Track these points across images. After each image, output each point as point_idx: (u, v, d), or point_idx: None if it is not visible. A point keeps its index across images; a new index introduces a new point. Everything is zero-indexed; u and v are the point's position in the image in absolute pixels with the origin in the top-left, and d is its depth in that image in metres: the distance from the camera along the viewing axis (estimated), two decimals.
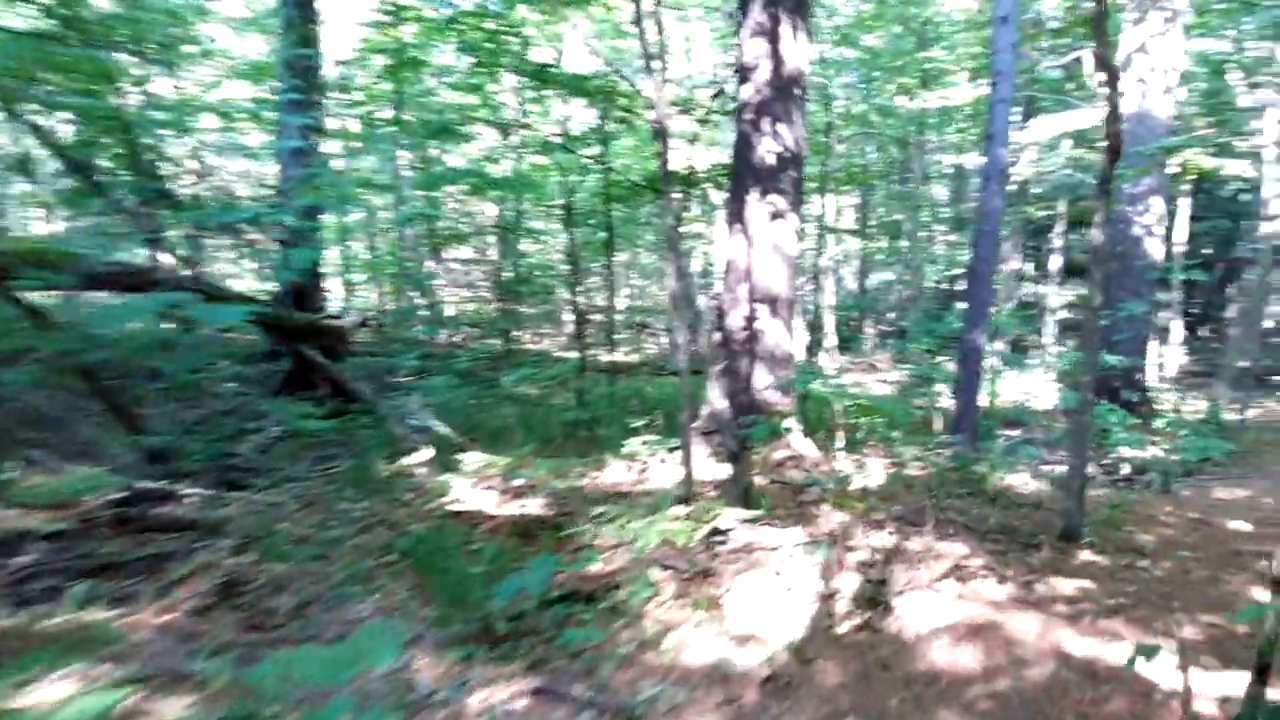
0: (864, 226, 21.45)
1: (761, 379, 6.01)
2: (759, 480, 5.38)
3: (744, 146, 5.97)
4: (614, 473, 5.77)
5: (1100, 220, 4.78)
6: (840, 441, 6.87)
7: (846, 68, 12.42)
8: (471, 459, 5.36)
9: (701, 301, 17.72)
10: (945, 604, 3.73)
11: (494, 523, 4.70)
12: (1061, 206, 14.96)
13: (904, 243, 16.63)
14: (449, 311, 18.96)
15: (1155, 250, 9.41)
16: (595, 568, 3.94)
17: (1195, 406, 11.34)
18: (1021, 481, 6.78)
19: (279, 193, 10.58)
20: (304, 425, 6.43)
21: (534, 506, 4.94)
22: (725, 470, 5.23)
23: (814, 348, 19.28)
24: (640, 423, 6.52)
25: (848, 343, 19.76)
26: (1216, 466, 7.44)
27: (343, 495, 5.16)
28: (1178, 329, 14.95)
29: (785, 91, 5.87)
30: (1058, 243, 15.32)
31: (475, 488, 5.17)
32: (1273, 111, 8.99)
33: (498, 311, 12.18)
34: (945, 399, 9.37)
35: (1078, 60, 11.65)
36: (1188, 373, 17.89)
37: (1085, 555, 4.48)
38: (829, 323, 16.70)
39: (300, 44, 9.63)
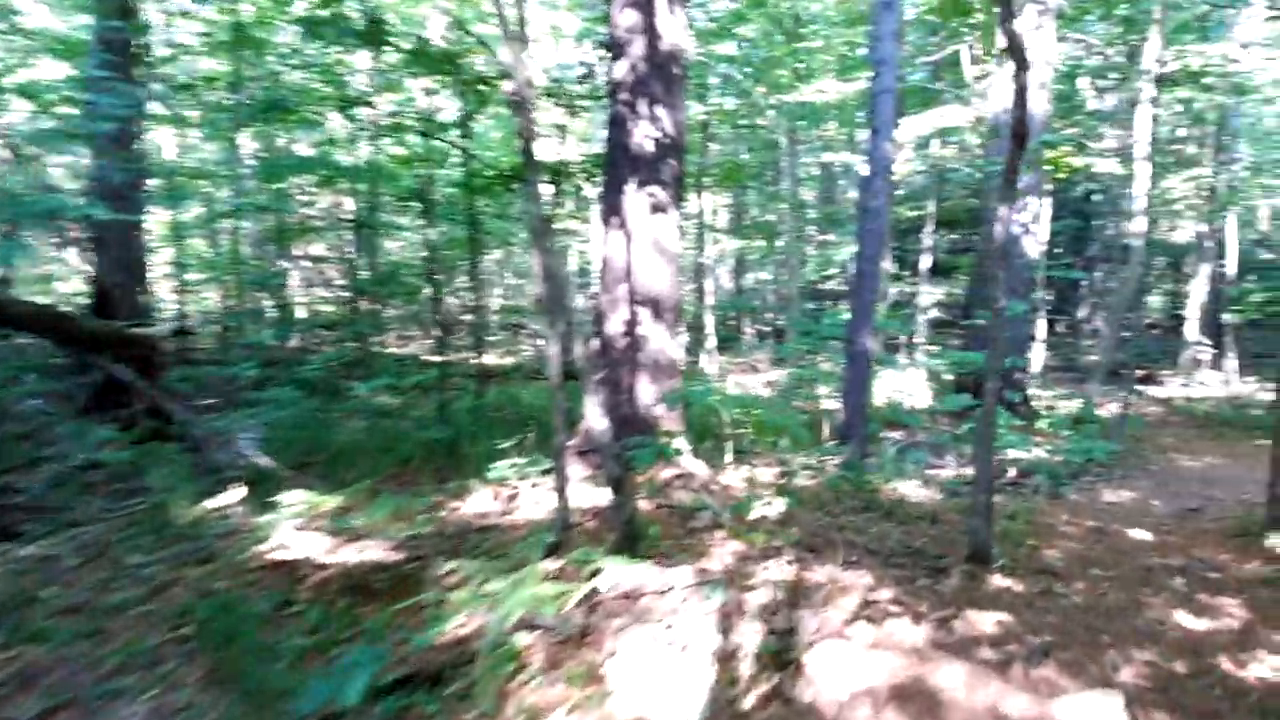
0: (739, 226, 21.33)
1: (645, 390, 5.42)
2: (644, 504, 4.79)
3: (619, 131, 5.35)
4: (479, 501, 5.05)
5: (1005, 215, 4.42)
6: (729, 454, 6.39)
7: (720, 63, 12.01)
8: (292, 498, 4.50)
9: (581, 303, 17.09)
10: (861, 657, 3.21)
11: (324, 575, 3.89)
12: (930, 206, 15.13)
13: (780, 242, 16.50)
14: (301, 314, 17.60)
15: (1033, 249, 9.41)
16: (447, 633, 3.22)
17: (1067, 404, 11.56)
18: (912, 489, 6.48)
19: (92, 182, 9.29)
20: (103, 454, 5.39)
21: (377, 551, 4.15)
22: (606, 495, 4.60)
23: (695, 349, 18.98)
24: (509, 442, 5.83)
25: (727, 343, 19.58)
26: (1100, 467, 7.39)
27: (138, 544, 4.22)
28: (1042, 327, 15.39)
29: (663, 70, 5.29)
30: (927, 242, 15.49)
31: (304, 530, 4.34)
32: (1143, 110, 9.17)
33: (352, 313, 11.14)
34: (828, 401, 9.10)
35: (949, 57, 11.69)
36: (1050, 368, 18.61)
37: (997, 580, 4.09)
38: (709, 323, 16.37)
39: (116, 17, 8.41)
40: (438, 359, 8.03)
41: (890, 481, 6.56)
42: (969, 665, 3.19)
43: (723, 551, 4.16)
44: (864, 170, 7.11)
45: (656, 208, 5.34)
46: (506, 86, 3.57)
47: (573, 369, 5.65)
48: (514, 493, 5.05)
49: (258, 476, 5.36)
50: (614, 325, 5.41)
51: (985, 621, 3.59)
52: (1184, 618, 3.71)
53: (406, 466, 6.12)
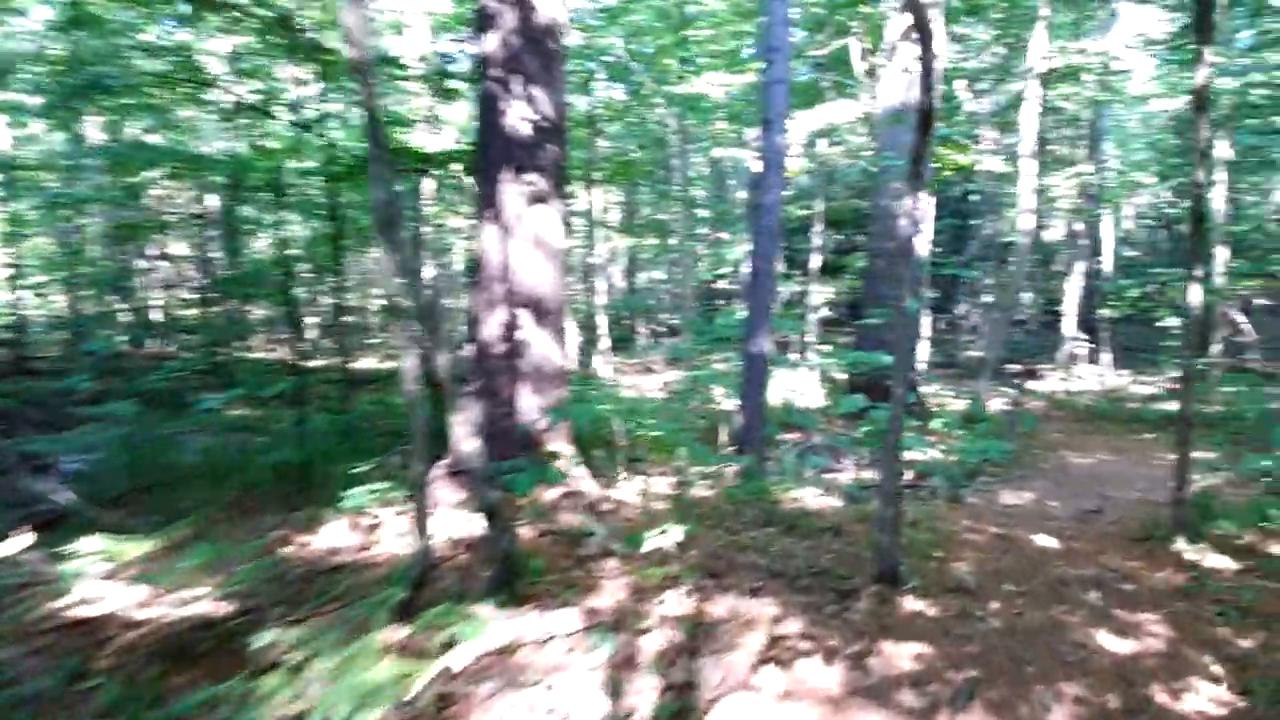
0: (631, 224, 20.97)
1: (527, 401, 4.88)
2: (526, 531, 4.26)
3: (492, 112, 4.79)
4: (333, 534, 4.40)
5: (910, 206, 4.09)
6: (622, 466, 5.93)
7: (605, 55, 11.55)
8: (96, 541, 3.77)
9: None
10: (771, 712, 2.78)
11: (131, 637, 3.20)
12: (819, 205, 15.11)
13: (672, 241, 16.18)
14: (160, 317, 16.21)
15: (921, 247, 9.32)
16: (277, 706, 2.61)
17: (956, 402, 11.62)
18: (813, 496, 6.17)
19: None
20: None
21: (202, 603, 3.48)
22: (482, 522, 4.04)
23: (588, 351, 18.50)
24: (373, 462, 5.19)
25: (620, 343, 19.18)
26: (995, 467, 7.29)
27: None
28: (924, 324, 15.59)
29: (539, 45, 4.76)
30: (816, 241, 15.48)
31: (115, 579, 3.61)
32: (1029, 108, 9.23)
33: (205, 316, 10.15)
34: (725, 402, 8.76)
35: (836, 54, 11.58)
36: (933, 364, 18.97)
37: (909, 602, 3.75)
38: (602, 324, 15.91)
39: None
40: (297, 366, 7.24)
41: (790, 489, 6.23)
42: (890, 715, 2.80)
43: (614, 585, 3.68)
44: (756, 166, 6.79)
45: (536, 198, 4.81)
46: (349, 53, 2.97)
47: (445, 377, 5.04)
48: (375, 522, 4.43)
49: (66, 511, 4.55)
50: (490, 329, 4.85)
51: (903, 655, 3.23)
52: (1107, 639, 3.45)
53: (254, 492, 5.38)
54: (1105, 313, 13.43)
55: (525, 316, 4.83)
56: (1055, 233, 20.97)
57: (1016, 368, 16.81)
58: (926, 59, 3.83)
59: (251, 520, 4.87)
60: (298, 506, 4.90)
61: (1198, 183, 4.44)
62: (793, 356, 15.08)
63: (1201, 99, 4.38)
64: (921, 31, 3.89)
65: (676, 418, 8.93)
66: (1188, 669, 3.19)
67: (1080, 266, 15.15)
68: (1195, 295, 4.60)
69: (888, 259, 9.25)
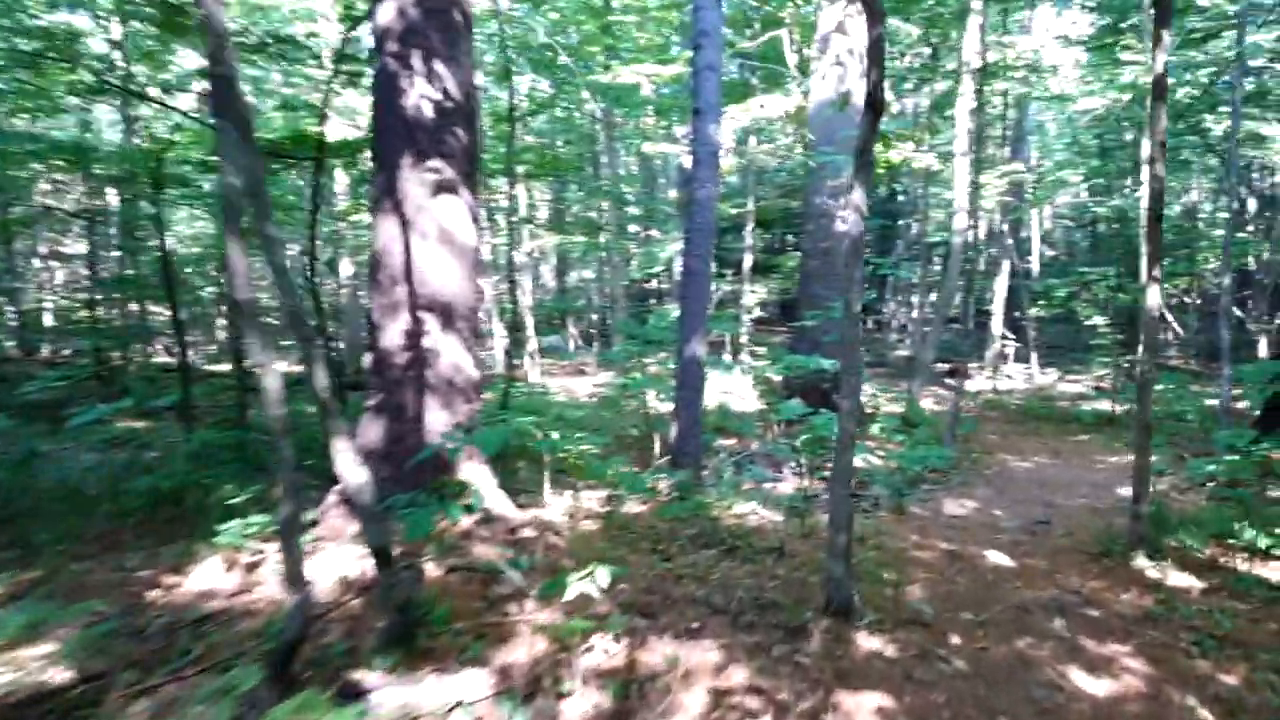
0: (560, 221, 20.41)
1: (436, 418, 4.34)
2: (432, 569, 3.73)
3: (389, 91, 4.24)
4: (207, 574, 3.80)
5: (857, 201, 3.71)
6: (548, 483, 5.43)
7: (529, 44, 10.99)
8: None
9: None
10: None
11: None
12: (750, 204, 14.82)
13: (602, 238, 15.70)
14: (50, 320, 15.05)
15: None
16: None
17: (886, 403, 11.41)
18: (753, 510, 5.78)
19: None
20: None
21: (41, 669, 2.87)
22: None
23: (516, 351, 17.88)
24: (250, 492, 4.60)
25: (551, 345, 18.64)
26: (935, 473, 7.02)
27: None
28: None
29: (441, 16, 4.23)
30: (748, 240, 15.20)
31: None
32: (964, 104, 9.05)
33: (96, 319, 9.30)
34: (661, 405, 8.35)
35: (766, 48, 11.26)
36: (864, 364, 18.93)
37: (865, 639, 3.36)
38: (529, 325, 15.34)
39: None
40: (187, 372, 6.54)
41: (729, 503, 5.83)
42: None
43: (532, 635, 3.19)
44: (687, 162, 6.37)
45: (442, 187, 4.28)
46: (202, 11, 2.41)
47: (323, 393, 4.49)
48: (256, 559, 3.84)
49: None
50: (392, 337, 4.29)
51: (863, 710, 2.83)
52: (1081, 678, 3.11)
53: (125, 523, 4.71)
54: (1034, 312, 13.46)
55: (431, 321, 4.29)
56: (979, 232, 21.13)
57: (945, 366, 16.85)
58: (873, 34, 3.44)
59: (116, 556, 4.22)
60: (171, 539, 4.28)
61: (1157, 176, 4.17)
62: (726, 358, 14.77)
63: (1161, 86, 4.11)
64: (870, 11, 3.51)
65: (604, 428, 8.48)
66: (1172, 713, 2.86)
67: (1006, 266, 15.19)
68: (1154, 297, 4.33)
69: (822, 258, 8.94)
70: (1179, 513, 5.28)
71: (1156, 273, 4.27)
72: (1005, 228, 15.26)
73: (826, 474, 7.05)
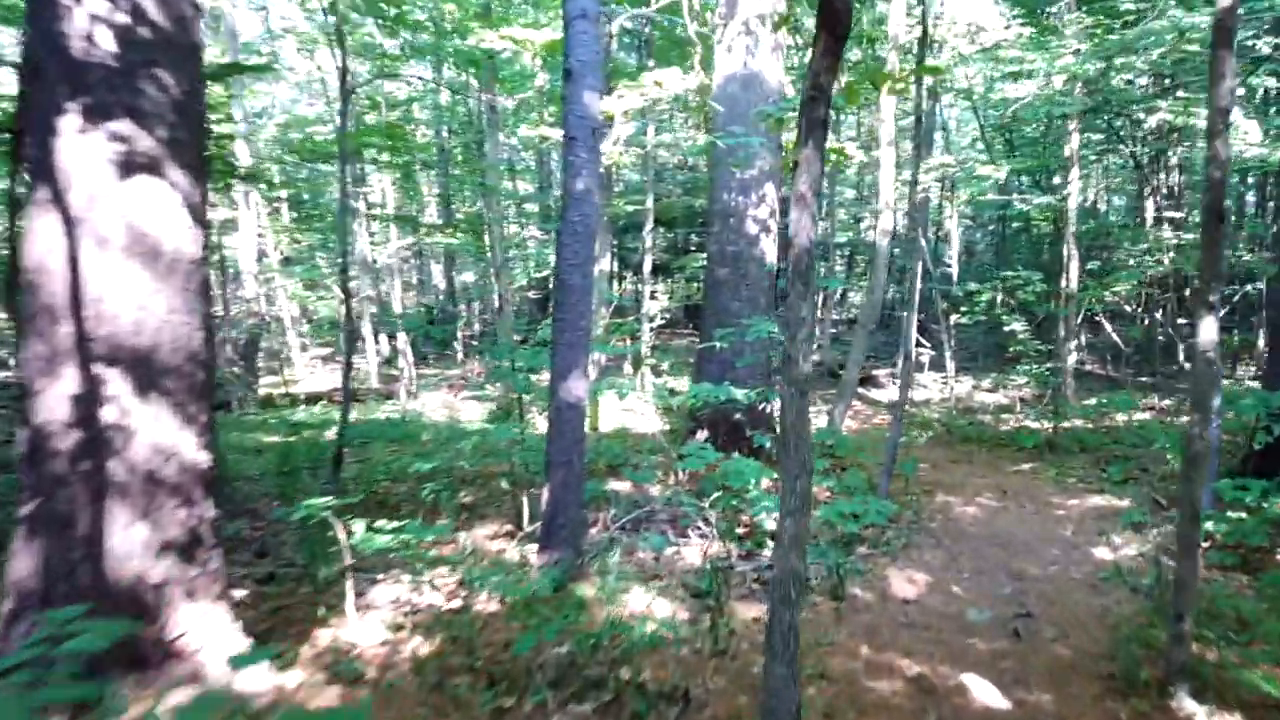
0: (449, 219, 18.54)
1: (127, 537, 2.68)
2: None
3: (46, 15, 2.57)
4: None
5: (806, 192, 2.27)
6: (350, 589, 3.85)
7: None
8: None
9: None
10: None
11: None
12: (649, 201, 13.38)
13: (486, 238, 14.02)
14: None
15: (770, 252, 7.67)
16: None
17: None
18: (648, 603, 4.32)
19: None
20: None
21: None
22: None
23: (392, 363, 16.02)
24: None
25: (441, 348, 16.90)
26: (872, 528, 5.70)
27: None
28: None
29: None
30: (648, 241, 13.77)
31: None
32: (887, 101, 7.85)
33: None
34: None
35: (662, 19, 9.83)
36: (775, 373, 17.77)
37: None
38: (401, 340, 13.56)
39: None
40: None
41: (616, 597, 4.36)
42: None
43: None
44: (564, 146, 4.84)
45: (134, 164, 2.63)
46: None
47: None
48: None
49: None
50: (53, 406, 2.62)
51: None
52: None
53: None
54: (955, 318, 12.50)
55: (118, 380, 2.64)
56: (915, 232, 20.31)
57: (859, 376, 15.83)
58: None
59: None
60: None
61: (1219, 161, 2.85)
62: (626, 372, 13.35)
63: (1225, 29, 2.81)
64: None
65: (478, 467, 6.89)
66: None
67: (919, 268, 14.23)
68: (1209, 330, 3.01)
69: (731, 265, 7.53)
70: (1201, 602, 4.05)
71: (1213, 297, 2.97)
72: (916, 224, 14.28)
73: (742, 532, 5.68)
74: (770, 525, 5.43)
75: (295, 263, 17.40)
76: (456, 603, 4.33)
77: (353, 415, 11.09)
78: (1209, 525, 5.05)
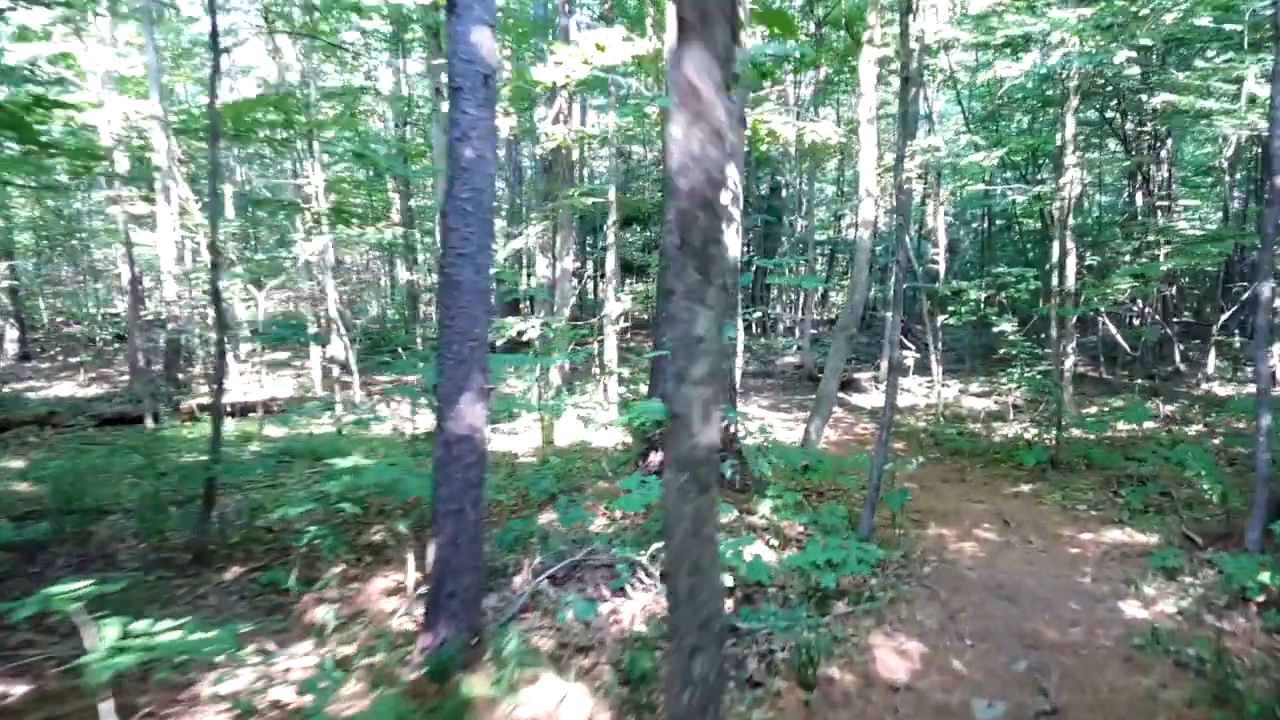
0: (410, 217, 17.35)
1: None
2: None
3: None
4: None
5: (694, 85, 1.19)
6: None
7: None
8: None
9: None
10: None
11: None
12: (611, 193, 12.29)
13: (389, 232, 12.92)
14: None
15: (733, 244, 6.62)
16: None
17: (775, 429, 9.18)
18: (554, 707, 3.29)
19: None
20: None
21: None
22: None
23: (345, 369, 14.79)
24: None
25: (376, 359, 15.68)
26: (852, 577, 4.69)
27: None
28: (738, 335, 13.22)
29: None
30: (610, 237, 12.69)
31: None
32: (870, 55, 6.81)
33: None
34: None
35: None
36: (746, 375, 16.73)
37: None
38: (339, 345, 12.43)
39: None
40: None
41: (516, 691, 3.33)
42: None
43: None
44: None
45: None
46: None
47: None
48: None
49: None
50: None
51: None
52: None
53: None
54: (942, 319, 11.52)
55: None
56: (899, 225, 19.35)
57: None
58: None
59: None
60: None
61: None
62: (594, 376, 12.28)
63: None
64: None
65: (333, 532, 5.77)
66: None
67: (902, 261, 13.22)
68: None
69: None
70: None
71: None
72: (900, 219, 13.29)
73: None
74: (726, 579, 4.40)
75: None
76: (310, 697, 3.27)
77: (281, 431, 10.07)
78: (1264, 576, 4.09)
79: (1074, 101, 9.72)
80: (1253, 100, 8.10)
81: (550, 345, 9.52)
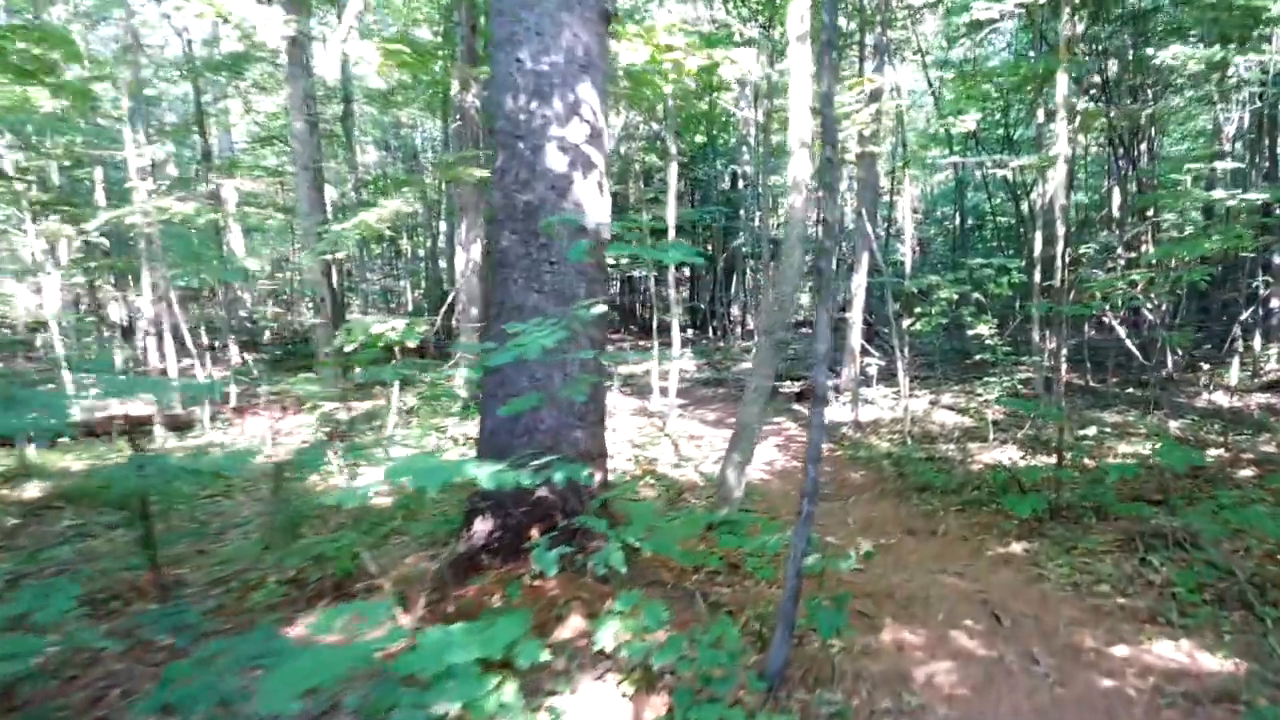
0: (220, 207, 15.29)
1: None
2: None
3: None
4: None
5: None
6: None
7: None
8: None
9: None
10: None
11: None
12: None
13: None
14: None
15: (593, 204, 4.66)
16: None
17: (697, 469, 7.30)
18: None
19: None
20: None
21: None
22: None
23: (254, 381, 12.71)
24: None
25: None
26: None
27: None
28: (676, 334, 11.38)
29: None
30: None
31: None
32: (799, 77, 4.93)
33: None
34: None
35: None
36: (695, 382, 14.82)
37: None
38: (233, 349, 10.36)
39: None
40: None
41: None
42: None
43: None
44: None
45: None
46: None
47: None
48: None
49: None
50: None
51: None
52: None
53: None
54: (909, 323, 9.67)
55: None
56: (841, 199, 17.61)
57: (794, 388, 12.95)
58: None
59: None
60: None
61: None
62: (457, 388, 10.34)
63: None
64: None
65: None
66: None
67: (865, 260, 11.42)
68: None
69: (523, 224, 4.37)
70: None
71: None
72: (863, 210, 11.47)
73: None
74: None
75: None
76: None
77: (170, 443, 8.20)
78: None
79: (1064, 55, 7.92)
80: None
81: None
